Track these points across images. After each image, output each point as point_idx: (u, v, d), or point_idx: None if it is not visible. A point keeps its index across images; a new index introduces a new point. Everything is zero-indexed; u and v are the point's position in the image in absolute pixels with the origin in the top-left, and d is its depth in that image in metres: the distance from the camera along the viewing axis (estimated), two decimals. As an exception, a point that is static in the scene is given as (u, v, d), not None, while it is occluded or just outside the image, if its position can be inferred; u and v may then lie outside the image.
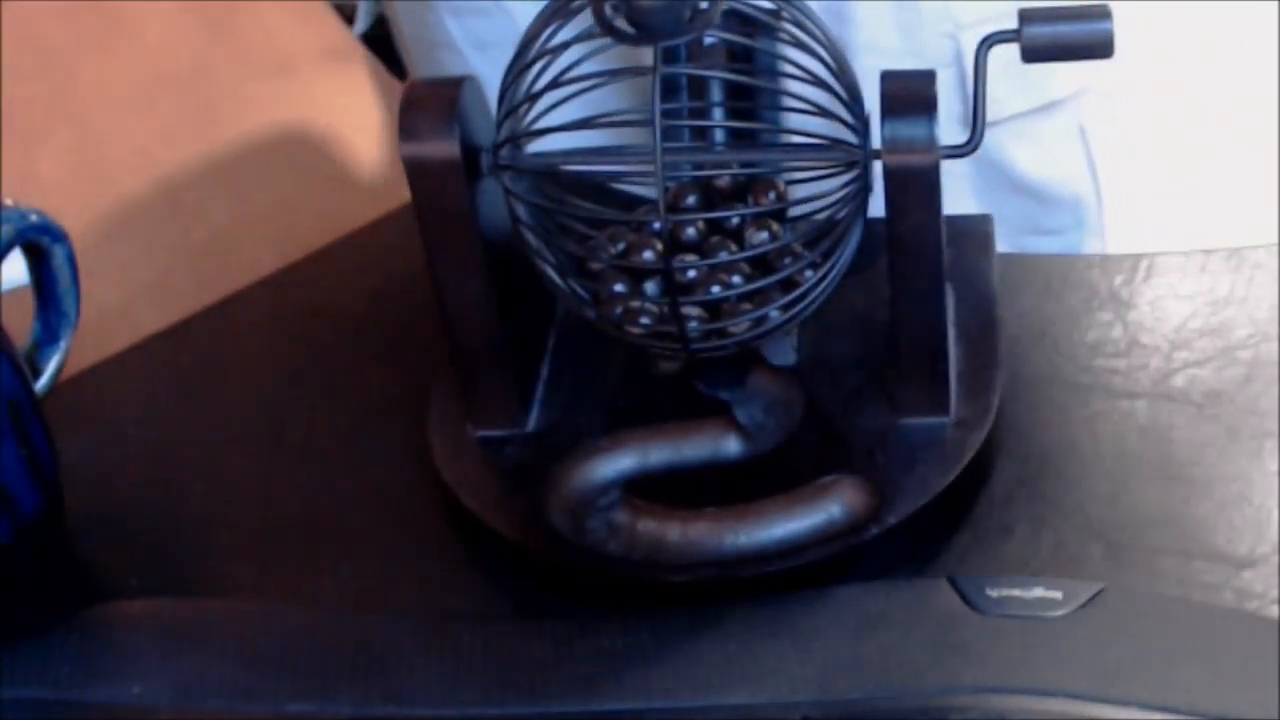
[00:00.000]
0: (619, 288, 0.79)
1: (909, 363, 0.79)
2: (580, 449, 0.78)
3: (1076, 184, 1.07)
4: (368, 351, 0.90)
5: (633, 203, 0.88)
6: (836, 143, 0.75)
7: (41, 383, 0.83)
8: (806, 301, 0.77)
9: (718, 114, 0.84)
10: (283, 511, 0.84)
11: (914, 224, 0.74)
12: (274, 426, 0.88)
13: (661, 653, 0.74)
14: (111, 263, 0.96)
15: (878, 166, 0.74)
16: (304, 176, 1.02)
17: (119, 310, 0.94)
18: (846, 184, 0.75)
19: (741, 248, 0.79)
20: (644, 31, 0.71)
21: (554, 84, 0.75)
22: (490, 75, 0.80)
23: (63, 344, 0.84)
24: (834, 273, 0.76)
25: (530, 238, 0.77)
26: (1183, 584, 0.75)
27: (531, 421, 0.83)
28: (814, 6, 0.76)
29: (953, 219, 0.80)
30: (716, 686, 0.73)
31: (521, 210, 0.77)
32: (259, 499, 0.85)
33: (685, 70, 0.81)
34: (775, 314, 0.77)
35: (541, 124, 0.77)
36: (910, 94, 0.73)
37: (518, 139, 0.76)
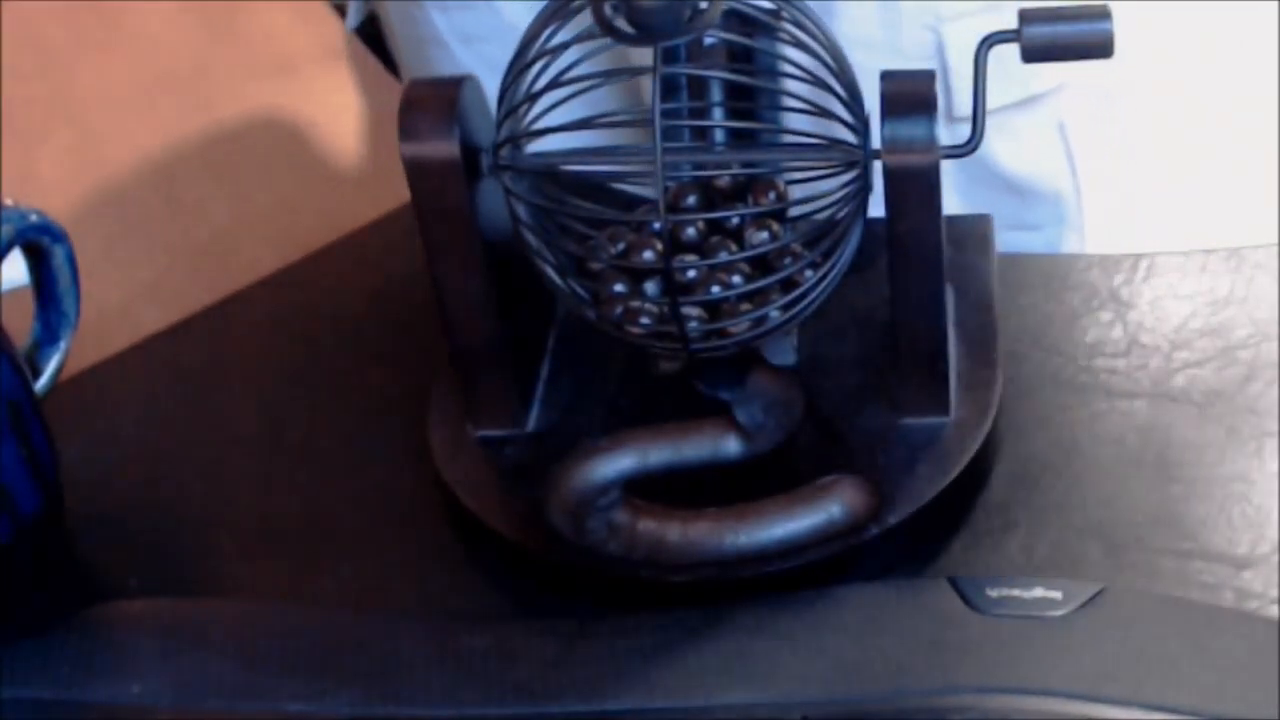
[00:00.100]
0: (619, 288, 0.79)
1: (909, 363, 0.79)
2: (580, 449, 0.78)
3: (1056, 179, 1.07)
4: (368, 351, 0.90)
5: (633, 203, 0.88)
6: (836, 143, 0.75)
7: (41, 383, 0.83)
8: (806, 301, 0.77)
9: (718, 114, 0.84)
10: (283, 511, 0.84)
11: (914, 224, 0.74)
12: (274, 426, 0.88)
13: (661, 653, 0.74)
14: (111, 263, 0.96)
15: (878, 166, 0.74)
16: (304, 176, 1.02)
17: (119, 310, 0.94)
18: (846, 184, 0.75)
19: (741, 248, 0.79)
20: (644, 31, 0.71)
21: (554, 84, 0.75)
22: (479, 70, 0.80)
23: (63, 344, 0.84)
24: (834, 273, 0.76)
25: (530, 238, 0.78)
26: (1183, 584, 0.75)
27: (531, 421, 0.83)
28: (798, -1, 0.76)
29: (953, 219, 0.80)
30: (716, 686, 0.73)
31: (521, 210, 0.77)
32: (259, 499, 0.85)
33: (685, 70, 0.81)
34: (775, 314, 0.77)
35: (541, 124, 0.77)
36: (910, 94, 0.73)
37: (518, 139, 0.76)
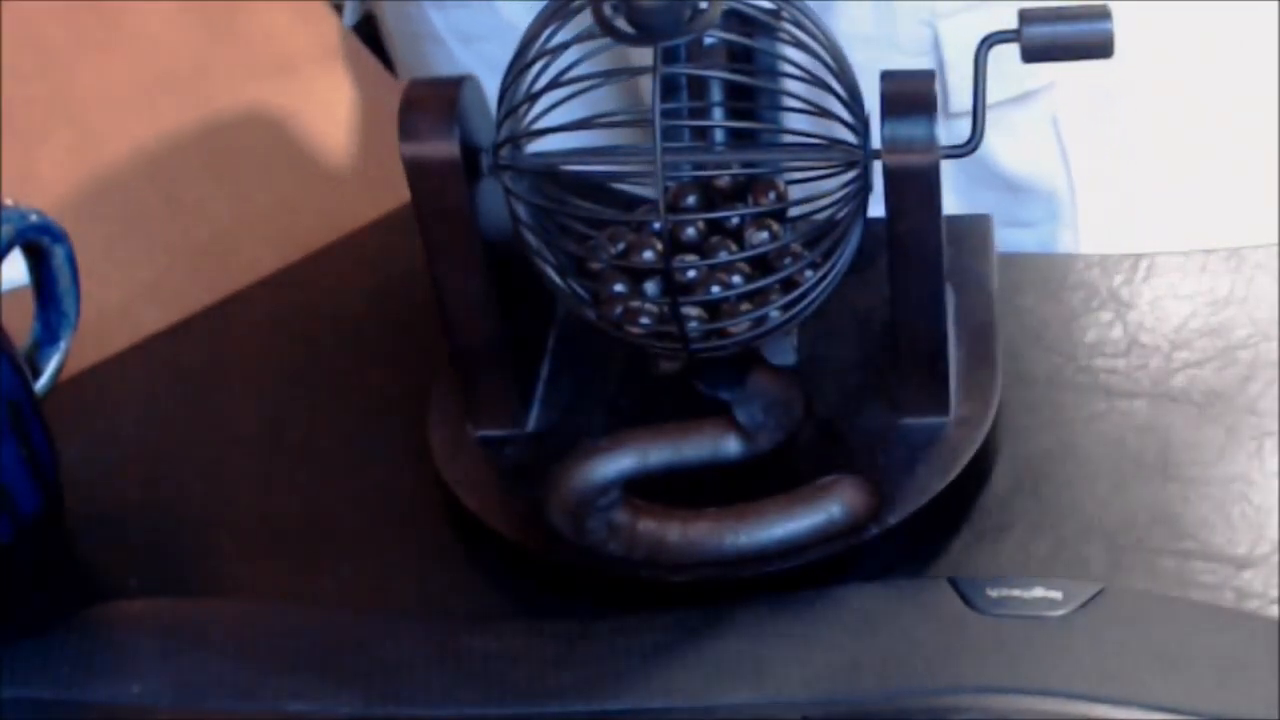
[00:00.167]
0: (619, 288, 0.79)
1: (909, 363, 0.79)
2: (580, 449, 0.78)
3: (1051, 176, 1.07)
4: (368, 351, 0.90)
5: (633, 203, 0.88)
6: (836, 143, 0.75)
7: (41, 383, 0.83)
8: (806, 301, 0.77)
9: (718, 114, 0.84)
10: (283, 511, 0.84)
11: (914, 224, 0.74)
12: (274, 426, 0.88)
13: (661, 653, 0.74)
14: (111, 263, 0.96)
15: (878, 166, 0.74)
16: (304, 176, 1.02)
17: (119, 310, 0.94)
18: (846, 184, 0.75)
19: (741, 248, 0.79)
20: (644, 31, 0.71)
21: (554, 84, 0.75)
22: (477, 68, 0.80)
23: (63, 344, 0.84)
24: (834, 273, 0.76)
25: (530, 238, 0.78)
26: (1183, 584, 0.75)
27: (531, 421, 0.83)
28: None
29: (953, 219, 0.80)
30: (716, 686, 0.73)
31: (521, 210, 0.77)
32: (259, 499, 0.85)
33: (685, 70, 0.81)
34: (775, 314, 0.77)
35: (541, 124, 0.77)
36: (910, 94, 0.73)
37: (518, 139, 0.76)
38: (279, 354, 0.92)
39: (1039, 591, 0.74)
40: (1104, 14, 0.73)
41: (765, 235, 0.79)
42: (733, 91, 0.83)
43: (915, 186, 0.73)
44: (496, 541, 0.79)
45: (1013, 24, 0.73)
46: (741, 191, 0.82)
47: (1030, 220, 1.07)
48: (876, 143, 0.74)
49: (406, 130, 0.75)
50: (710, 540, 0.77)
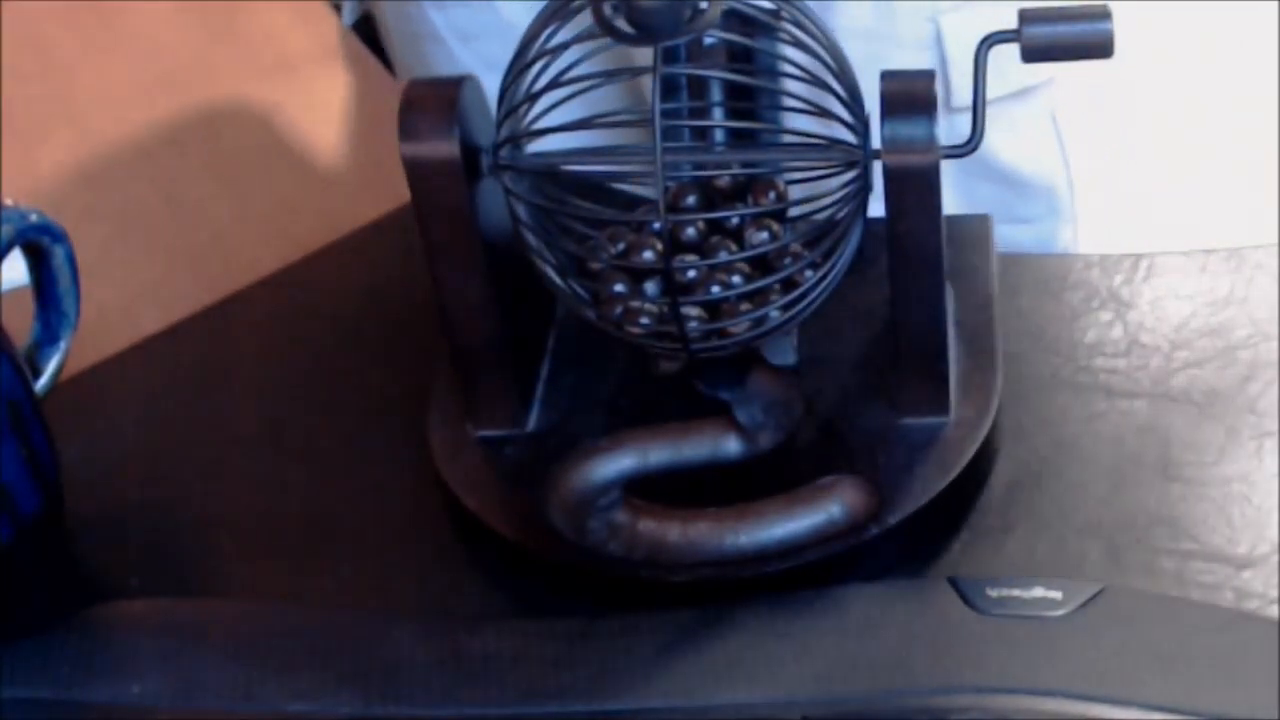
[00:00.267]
0: (619, 288, 0.79)
1: (909, 363, 0.79)
2: (580, 449, 0.78)
3: (1049, 171, 1.07)
4: (368, 351, 0.90)
5: (633, 203, 0.88)
6: (836, 143, 0.75)
7: (41, 383, 0.83)
8: (806, 301, 0.77)
9: (718, 114, 0.84)
10: (283, 511, 0.84)
11: (914, 224, 0.74)
12: (274, 426, 0.88)
13: (661, 653, 0.74)
14: (111, 263, 0.96)
15: (878, 166, 0.74)
16: (304, 176, 1.02)
17: (119, 310, 0.94)
18: (846, 184, 0.75)
19: (741, 248, 0.79)
20: (644, 31, 0.71)
21: (554, 84, 0.75)
22: (476, 67, 0.80)
23: (63, 344, 0.84)
24: (834, 273, 0.76)
25: (530, 238, 0.77)
26: (1183, 584, 0.75)
27: (531, 421, 0.83)
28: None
29: (953, 219, 0.80)
30: (716, 686, 0.73)
31: (521, 210, 0.77)
32: (259, 499, 0.85)
33: (685, 70, 0.81)
34: (775, 314, 0.77)
35: (541, 124, 0.77)
36: (910, 94, 0.73)
37: (518, 139, 0.76)
38: (279, 354, 0.92)
39: (1039, 591, 0.74)
40: (1104, 14, 0.73)
41: (765, 235, 0.79)
42: (733, 91, 0.83)
43: (915, 186, 0.73)
44: (496, 541, 0.79)
45: (1016, 19, 0.73)
46: (741, 191, 0.82)
47: (1030, 216, 1.07)
48: (876, 143, 0.74)
49: (406, 130, 0.75)
50: (710, 540, 0.77)
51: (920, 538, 0.78)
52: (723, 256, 0.78)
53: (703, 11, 0.72)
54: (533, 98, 0.76)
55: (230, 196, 1.01)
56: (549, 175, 0.78)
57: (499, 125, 0.76)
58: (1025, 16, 0.73)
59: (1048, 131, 1.06)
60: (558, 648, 0.75)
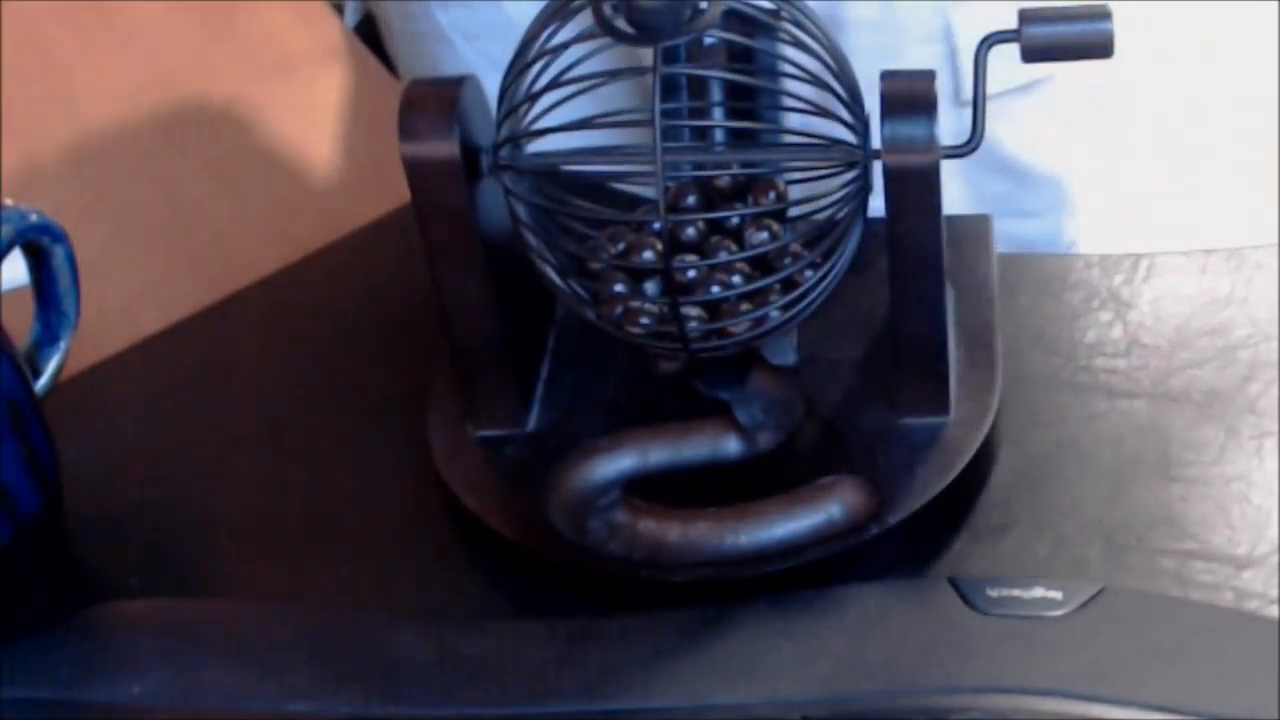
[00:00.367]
0: (619, 288, 0.79)
1: (909, 363, 0.79)
2: (580, 449, 0.78)
3: (1055, 164, 1.07)
4: (368, 351, 0.90)
5: (633, 203, 0.88)
6: (836, 143, 0.75)
7: (41, 383, 0.83)
8: (806, 301, 0.77)
9: (718, 114, 0.84)
10: (283, 511, 0.84)
11: (914, 224, 0.74)
12: (274, 426, 0.88)
13: (661, 653, 0.74)
14: (111, 263, 0.96)
15: (878, 166, 0.74)
16: (304, 176, 1.02)
17: (119, 310, 0.94)
18: (846, 184, 0.75)
19: (741, 248, 0.79)
20: (644, 31, 0.71)
21: (554, 84, 0.75)
22: (480, 67, 0.80)
23: (63, 344, 0.84)
24: (834, 273, 0.76)
25: (530, 238, 0.77)
26: (1183, 584, 0.75)
27: (531, 421, 0.83)
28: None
29: (953, 219, 0.80)
30: (716, 686, 0.73)
31: (521, 210, 0.77)
32: (259, 499, 0.85)
33: (685, 70, 0.81)
34: (775, 314, 0.77)
35: (541, 124, 0.77)
36: (910, 94, 0.73)
37: (518, 139, 0.76)
38: (279, 354, 0.92)
39: (1039, 591, 0.74)
40: (1104, 14, 0.73)
41: (765, 235, 0.79)
42: (733, 91, 0.83)
43: (915, 186, 0.73)
44: (496, 541, 0.79)
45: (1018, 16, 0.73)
46: (741, 191, 0.82)
47: (1036, 209, 1.07)
48: (877, 143, 0.74)
49: (406, 130, 0.75)
50: (710, 540, 0.77)
51: (920, 538, 0.78)
52: (723, 256, 0.78)
53: (703, 11, 0.72)
54: (533, 98, 0.76)
55: (230, 196, 1.00)
56: (549, 175, 0.78)
57: (499, 125, 0.76)
58: (1025, 16, 0.73)
59: (1055, 125, 1.06)
60: (558, 648, 0.75)
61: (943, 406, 0.80)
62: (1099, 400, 0.82)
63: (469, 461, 0.82)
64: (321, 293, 0.94)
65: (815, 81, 0.75)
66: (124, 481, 0.86)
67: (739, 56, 0.83)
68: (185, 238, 0.98)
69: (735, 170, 0.81)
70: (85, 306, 0.84)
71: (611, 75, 0.75)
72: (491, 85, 0.78)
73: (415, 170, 0.76)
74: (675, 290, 0.75)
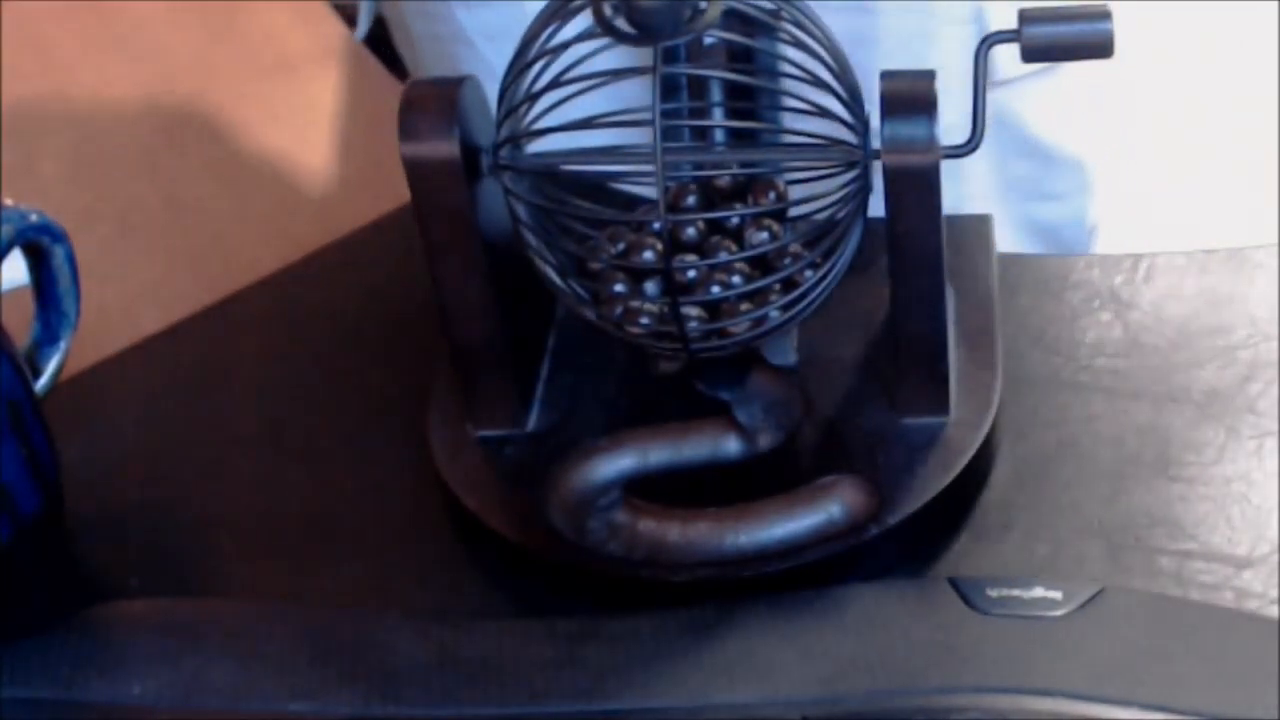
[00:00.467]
0: (619, 288, 0.79)
1: (909, 363, 0.79)
2: (580, 449, 0.78)
3: (1079, 147, 1.07)
4: (368, 351, 0.90)
5: (633, 203, 0.88)
6: (836, 143, 0.75)
7: (41, 383, 0.83)
8: (806, 301, 0.77)
9: (718, 114, 0.84)
10: (283, 511, 0.84)
11: (914, 224, 0.74)
12: (274, 426, 0.88)
13: (661, 653, 0.74)
14: (111, 263, 0.96)
15: (878, 166, 0.74)
16: (304, 177, 1.02)
17: (119, 310, 0.94)
18: (846, 184, 0.75)
19: (741, 248, 0.79)
20: (644, 31, 0.71)
21: (554, 84, 0.75)
22: (502, 67, 0.80)
23: (63, 344, 0.84)
24: (834, 273, 0.76)
25: (530, 238, 0.78)
26: (1182, 584, 0.75)
27: (531, 421, 0.83)
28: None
29: (953, 219, 0.80)
30: (716, 686, 0.73)
31: (521, 210, 0.77)
32: (259, 499, 0.85)
33: (685, 70, 0.81)
34: (775, 314, 0.77)
35: (541, 124, 0.77)
36: (910, 94, 0.73)
37: (518, 139, 0.76)
38: (279, 354, 0.92)
39: (1039, 591, 0.74)
40: (1104, 14, 0.73)
41: (765, 235, 0.79)
42: (733, 91, 0.83)
43: (915, 186, 0.73)
44: (496, 541, 0.79)
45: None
46: (741, 191, 0.82)
47: (1061, 192, 1.07)
48: (877, 143, 0.74)
49: (406, 130, 0.75)
50: (710, 540, 0.77)
51: (920, 538, 0.78)
52: (723, 256, 0.78)
53: (703, 11, 0.72)
54: (533, 98, 0.76)
55: (230, 196, 1.01)
56: (549, 175, 0.78)
57: (499, 125, 0.76)
58: (1025, 16, 0.73)
59: (1079, 106, 1.06)
60: (558, 648, 0.75)
61: (943, 406, 0.80)
62: (1099, 400, 0.82)
63: (469, 461, 0.82)
64: (321, 293, 0.94)
65: (815, 81, 0.75)
66: (124, 481, 0.86)
67: (739, 56, 0.83)
68: (185, 238, 0.98)
69: (735, 170, 0.81)
70: (85, 306, 0.84)
71: (611, 75, 0.75)
72: (512, 85, 0.78)
73: (415, 170, 0.76)
74: (675, 290, 0.75)
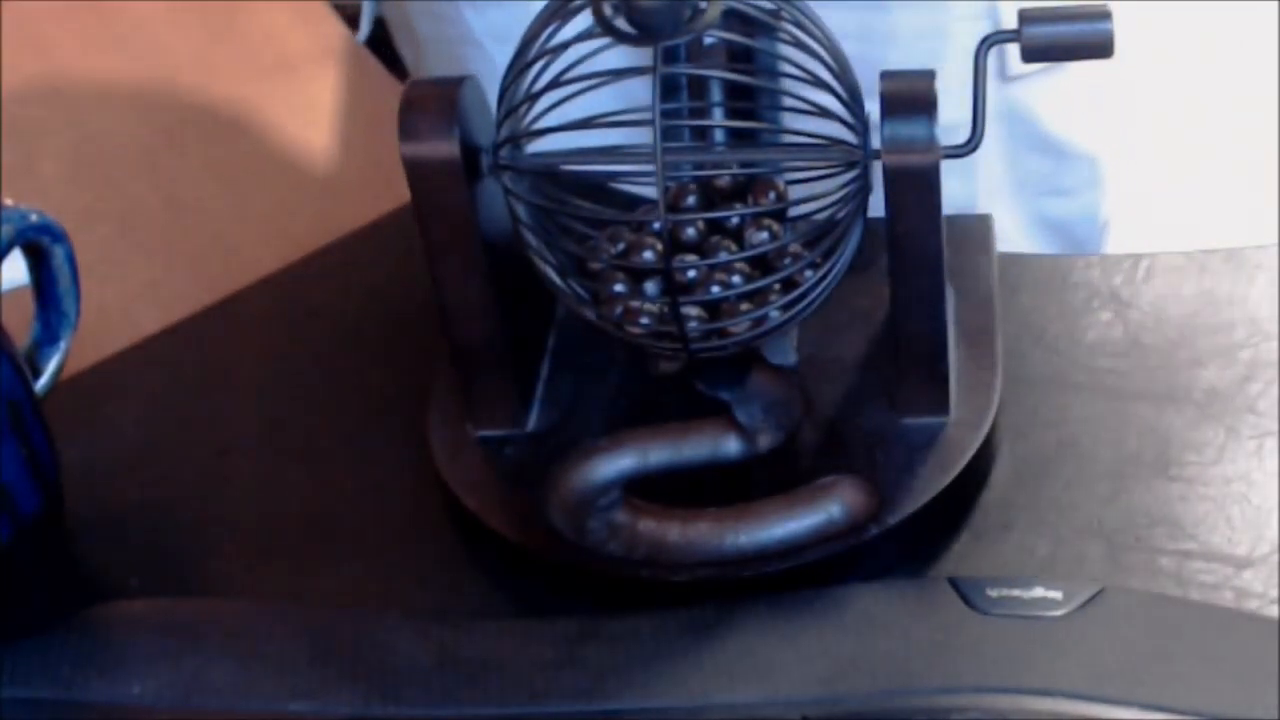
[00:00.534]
0: (619, 288, 0.79)
1: (909, 363, 0.79)
2: (580, 449, 0.78)
3: (1092, 142, 1.07)
4: (368, 351, 0.90)
5: (633, 203, 0.88)
6: (836, 143, 0.75)
7: (41, 383, 0.83)
8: (806, 301, 0.77)
9: (718, 114, 0.84)
10: (283, 511, 0.84)
11: (914, 224, 0.74)
12: (274, 426, 0.88)
13: (661, 653, 0.74)
14: (111, 263, 0.96)
15: (878, 166, 0.74)
16: (304, 177, 1.02)
17: (119, 310, 0.94)
18: (846, 184, 0.75)
19: (741, 248, 0.79)
20: (644, 31, 0.71)
21: (554, 84, 0.75)
22: None
23: (63, 344, 0.84)
24: (834, 273, 0.76)
25: (530, 238, 0.78)
26: (1182, 584, 0.75)
27: (531, 421, 0.83)
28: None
29: (953, 219, 0.80)
30: (716, 686, 0.73)
31: (521, 210, 0.77)
32: (259, 499, 0.85)
33: (685, 70, 0.81)
34: (775, 314, 0.77)
35: (541, 124, 0.77)
36: (910, 94, 0.73)
37: (518, 139, 0.76)
38: (279, 354, 0.92)
39: (1039, 591, 0.74)
40: (1104, 14, 0.73)
41: (765, 235, 0.79)
42: (733, 91, 0.83)
43: (915, 186, 0.73)
44: (496, 541, 0.79)
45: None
46: (741, 191, 0.82)
47: (1073, 188, 1.07)
48: (877, 142, 0.74)
49: (406, 130, 0.75)
50: (710, 540, 0.77)
51: (920, 538, 0.78)
52: (723, 256, 0.78)
53: (703, 11, 0.72)
54: (533, 98, 0.76)
55: (230, 196, 1.01)
56: (549, 175, 0.78)
57: (499, 125, 0.76)
58: (1025, 16, 0.73)
59: (1091, 102, 1.06)
60: (557, 648, 0.75)
61: (943, 406, 0.80)
62: (1099, 400, 0.82)
63: (469, 461, 0.82)
64: (321, 293, 0.94)
65: (815, 81, 0.75)
66: (124, 481, 0.86)
67: (739, 56, 0.83)
68: (185, 238, 0.98)
69: (735, 170, 0.81)
70: (85, 306, 0.84)
71: (611, 75, 0.75)
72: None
73: (415, 170, 0.76)
74: (675, 290, 0.75)
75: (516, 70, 0.76)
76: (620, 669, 0.74)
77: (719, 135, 0.85)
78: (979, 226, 0.87)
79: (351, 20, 1.15)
